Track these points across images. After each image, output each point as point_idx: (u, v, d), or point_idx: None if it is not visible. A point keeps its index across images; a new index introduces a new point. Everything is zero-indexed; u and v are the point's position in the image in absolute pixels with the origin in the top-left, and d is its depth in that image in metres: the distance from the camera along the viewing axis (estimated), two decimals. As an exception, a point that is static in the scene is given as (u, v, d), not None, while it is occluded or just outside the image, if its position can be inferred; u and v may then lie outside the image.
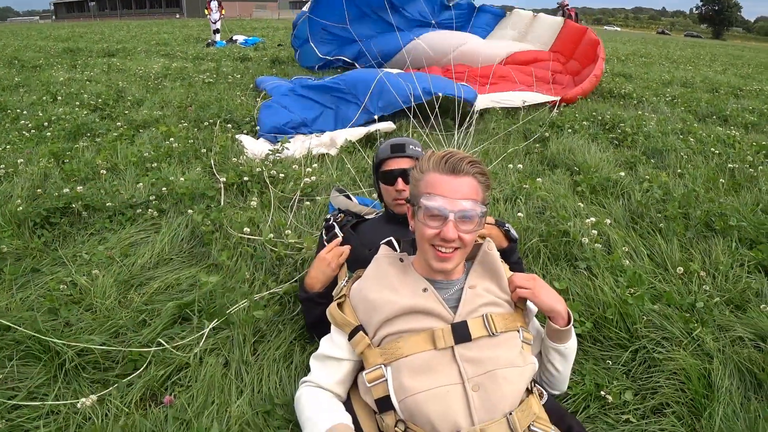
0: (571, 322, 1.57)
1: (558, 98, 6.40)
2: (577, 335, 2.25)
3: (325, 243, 2.12)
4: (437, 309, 1.45)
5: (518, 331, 1.49)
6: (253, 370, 2.00)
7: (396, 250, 1.66)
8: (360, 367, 1.55)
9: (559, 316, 1.55)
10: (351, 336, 1.52)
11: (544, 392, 1.53)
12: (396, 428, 1.38)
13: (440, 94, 5.28)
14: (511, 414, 1.31)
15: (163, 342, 2.04)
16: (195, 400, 1.80)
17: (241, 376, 1.98)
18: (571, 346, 1.61)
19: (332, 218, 2.27)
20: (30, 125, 5.19)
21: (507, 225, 2.09)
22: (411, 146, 2.13)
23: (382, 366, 1.41)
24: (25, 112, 5.83)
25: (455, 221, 1.40)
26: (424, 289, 1.49)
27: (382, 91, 5.27)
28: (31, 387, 1.90)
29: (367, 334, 1.50)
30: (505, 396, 1.34)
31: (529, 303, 1.58)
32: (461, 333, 1.41)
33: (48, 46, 13.76)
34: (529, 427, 1.34)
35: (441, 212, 1.41)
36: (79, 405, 1.79)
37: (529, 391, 1.44)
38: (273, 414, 1.78)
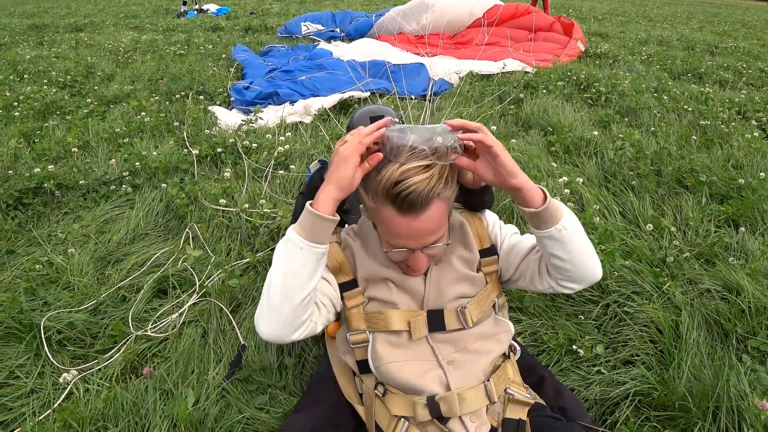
0: (548, 197, 1.23)
1: (533, 69, 6.34)
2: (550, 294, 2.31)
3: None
4: (414, 286, 1.41)
5: (494, 305, 1.47)
6: (231, 339, 2.03)
7: None
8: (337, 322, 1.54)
9: (528, 191, 1.21)
10: (347, 287, 1.44)
11: (518, 348, 1.56)
12: (376, 390, 1.41)
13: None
14: (488, 380, 1.34)
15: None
16: (174, 370, 1.83)
17: (219, 345, 2.01)
18: (565, 224, 1.24)
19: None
20: (-3, 105, 5.07)
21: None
22: (390, 118, 2.08)
23: (366, 331, 1.41)
24: (-9, 92, 5.69)
25: (423, 250, 1.31)
26: None
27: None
28: (12, 367, 1.92)
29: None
30: (481, 365, 1.36)
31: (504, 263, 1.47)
32: (436, 323, 1.39)
33: (12, 24, 13.31)
34: (505, 390, 1.38)
35: (405, 248, 1.30)
36: (60, 380, 1.81)
37: (505, 356, 1.46)
38: (250, 380, 1.81)
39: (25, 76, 6.39)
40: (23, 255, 2.63)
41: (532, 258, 1.42)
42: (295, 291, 1.22)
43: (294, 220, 2.28)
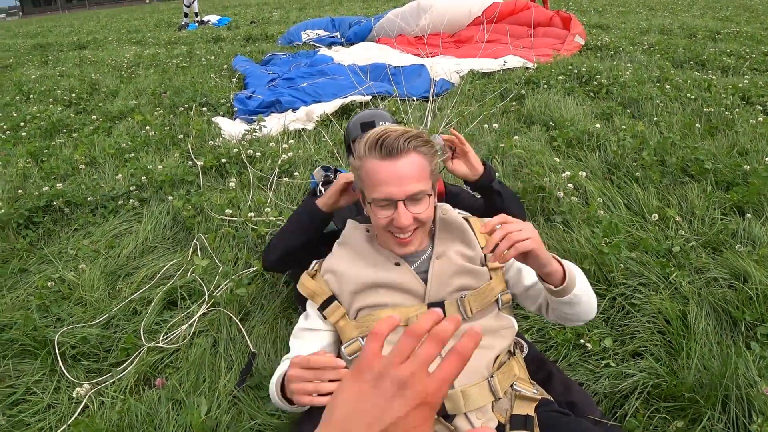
0: (567, 276, 1.25)
1: (533, 65, 6.33)
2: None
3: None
4: (411, 284, 1.40)
5: (497, 301, 1.44)
6: (241, 347, 2.06)
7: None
8: (339, 341, 1.52)
9: (554, 273, 1.23)
10: (325, 306, 1.47)
11: (525, 345, 1.57)
12: None
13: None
14: (492, 377, 1.33)
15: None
16: (186, 380, 1.86)
17: (229, 353, 2.03)
18: (577, 292, 1.28)
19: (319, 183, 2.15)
20: (5, 127, 5.14)
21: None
22: (381, 122, 2.05)
23: (359, 339, 1.40)
24: (-1, 113, 5.78)
25: (405, 204, 1.34)
26: (397, 263, 1.43)
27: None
28: (29, 383, 1.96)
29: (341, 304, 1.46)
30: (484, 361, 1.35)
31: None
32: None
33: (17, 44, 13.50)
34: (511, 386, 1.38)
35: (388, 201, 1.34)
36: (74, 394, 1.85)
37: (510, 353, 1.45)
38: (261, 387, 1.84)
39: (31, 96, 6.48)
40: (35, 273, 2.68)
41: (535, 290, 1.46)
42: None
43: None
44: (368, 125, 2.03)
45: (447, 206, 1.53)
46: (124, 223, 3.10)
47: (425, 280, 1.42)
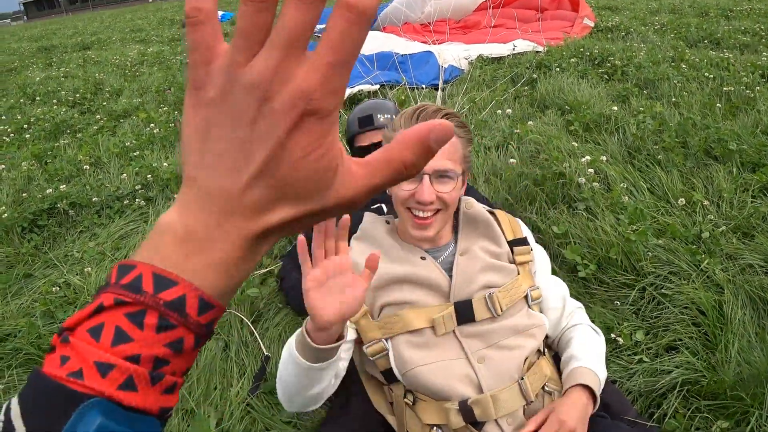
0: (598, 401, 1.26)
1: (542, 48, 6.18)
2: (582, 279, 2.21)
3: None
4: (438, 279, 1.29)
5: (526, 297, 1.34)
6: (253, 350, 1.97)
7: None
8: (358, 340, 1.40)
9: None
10: None
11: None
12: (405, 399, 1.31)
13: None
14: (522, 379, 1.24)
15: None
16: (196, 388, 1.76)
17: (241, 357, 1.94)
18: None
19: None
20: (9, 130, 5.08)
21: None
22: (380, 115, 1.96)
23: (383, 340, 1.29)
24: (3, 117, 5.72)
25: (431, 180, 1.24)
26: (423, 257, 1.32)
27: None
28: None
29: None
30: (514, 362, 1.25)
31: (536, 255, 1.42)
32: (465, 315, 1.27)
33: (22, 48, 13.48)
34: (542, 388, 1.28)
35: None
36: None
37: (540, 352, 1.35)
38: (276, 393, 1.74)
39: (36, 97, 6.42)
40: (40, 278, 2.60)
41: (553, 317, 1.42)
42: (309, 388, 1.17)
43: (281, 285, 2.17)
44: (366, 120, 1.95)
45: (472, 200, 1.42)
46: (130, 224, 3.02)
47: (450, 277, 1.31)
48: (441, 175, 1.25)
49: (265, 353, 1.93)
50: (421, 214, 1.27)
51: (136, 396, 0.31)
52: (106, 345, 0.30)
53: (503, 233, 1.39)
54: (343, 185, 0.33)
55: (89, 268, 2.54)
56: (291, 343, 1.14)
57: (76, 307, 2.30)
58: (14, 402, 0.31)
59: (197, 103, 0.32)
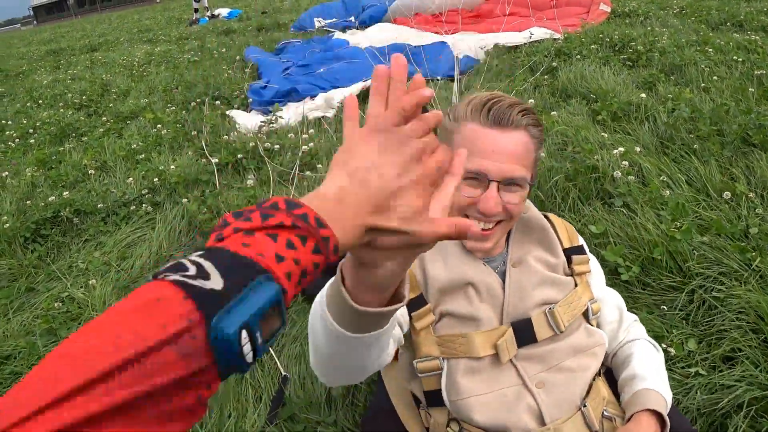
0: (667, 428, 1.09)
1: (560, 35, 5.96)
2: (625, 282, 2.03)
3: None
4: (495, 290, 1.12)
5: (585, 311, 1.19)
6: (270, 369, 1.81)
7: None
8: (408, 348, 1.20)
9: None
10: (416, 305, 1.12)
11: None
12: (449, 428, 1.14)
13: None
14: (585, 406, 1.08)
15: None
16: (209, 418, 1.61)
17: (257, 379, 1.78)
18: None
19: None
20: (14, 135, 4.97)
21: None
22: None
23: (440, 358, 1.12)
24: (10, 122, 5.62)
25: (499, 188, 1.07)
26: (484, 264, 1.15)
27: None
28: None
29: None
30: (577, 387, 1.09)
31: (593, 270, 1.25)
32: (525, 336, 1.11)
33: (30, 52, 13.47)
34: (602, 414, 1.11)
35: (480, 176, 1.06)
36: None
37: (596, 373, 1.17)
38: (295, 418, 1.58)
39: (41, 101, 6.33)
40: (43, 292, 2.47)
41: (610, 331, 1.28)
42: (351, 360, 0.86)
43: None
44: None
45: (528, 202, 1.23)
46: (137, 231, 2.88)
47: (503, 290, 1.14)
48: (510, 182, 1.07)
49: (283, 373, 1.77)
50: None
51: (290, 286, 0.43)
52: (281, 247, 0.43)
53: (560, 241, 1.22)
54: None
55: (94, 281, 2.40)
56: (322, 296, 0.80)
57: (79, 324, 2.16)
58: (202, 260, 0.40)
59: (375, 136, 0.54)
